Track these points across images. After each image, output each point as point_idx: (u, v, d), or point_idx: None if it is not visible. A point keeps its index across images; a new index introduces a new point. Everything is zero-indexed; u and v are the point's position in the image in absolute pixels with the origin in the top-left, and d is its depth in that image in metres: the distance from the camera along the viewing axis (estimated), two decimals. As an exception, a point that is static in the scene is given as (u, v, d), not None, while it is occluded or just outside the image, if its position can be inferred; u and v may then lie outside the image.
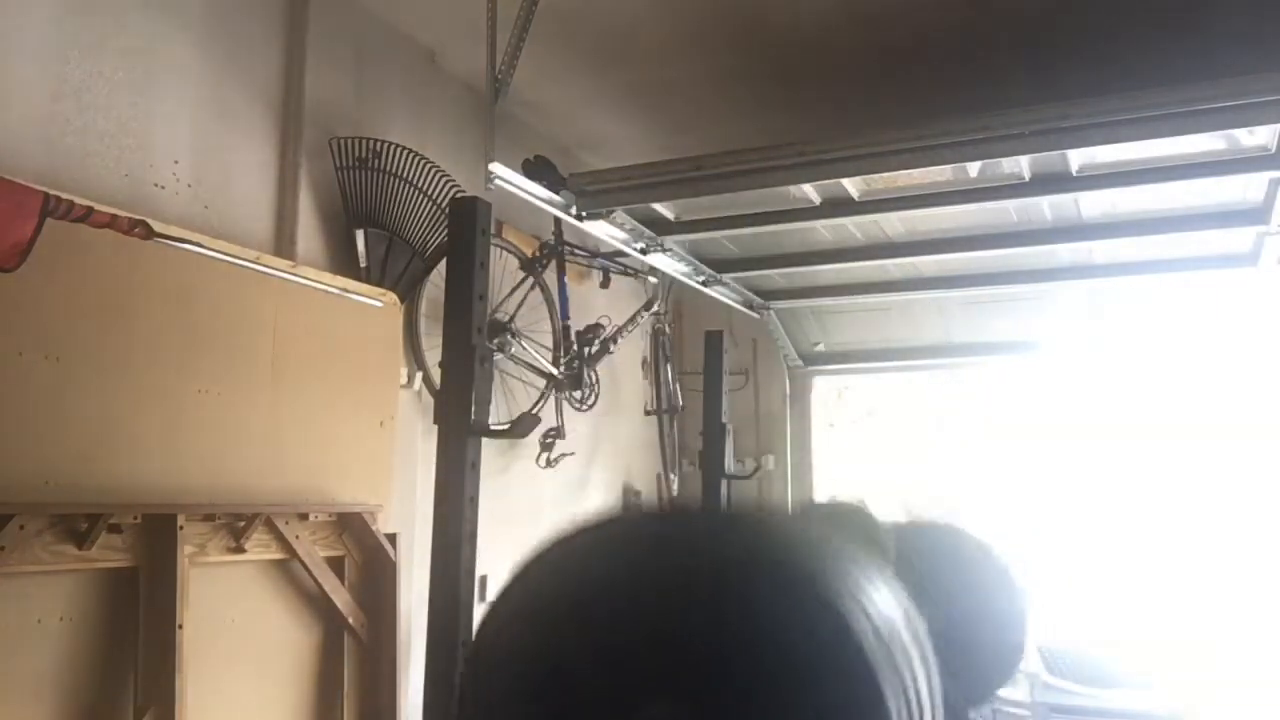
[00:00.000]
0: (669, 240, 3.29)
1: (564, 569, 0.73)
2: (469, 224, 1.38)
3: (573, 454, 4.24)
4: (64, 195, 2.28)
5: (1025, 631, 2.44)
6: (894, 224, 3.15)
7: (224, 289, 2.68)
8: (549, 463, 4.09)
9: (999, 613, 2.40)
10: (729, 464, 4.26)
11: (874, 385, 5.08)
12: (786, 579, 0.65)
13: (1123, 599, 4.57)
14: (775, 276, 3.84)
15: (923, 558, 2.56)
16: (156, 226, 2.49)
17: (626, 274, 4.54)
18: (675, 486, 5.10)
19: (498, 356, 3.51)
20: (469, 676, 0.93)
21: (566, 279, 4.12)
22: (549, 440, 4.07)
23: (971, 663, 2.37)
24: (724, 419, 4.19)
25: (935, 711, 0.97)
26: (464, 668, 1.04)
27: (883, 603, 0.72)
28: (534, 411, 3.69)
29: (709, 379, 4.23)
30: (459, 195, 3.13)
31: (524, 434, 3.07)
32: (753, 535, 0.70)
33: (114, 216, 2.39)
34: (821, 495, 5.09)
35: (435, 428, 2.44)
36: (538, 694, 0.67)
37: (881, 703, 0.73)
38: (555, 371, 4.01)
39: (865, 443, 5.12)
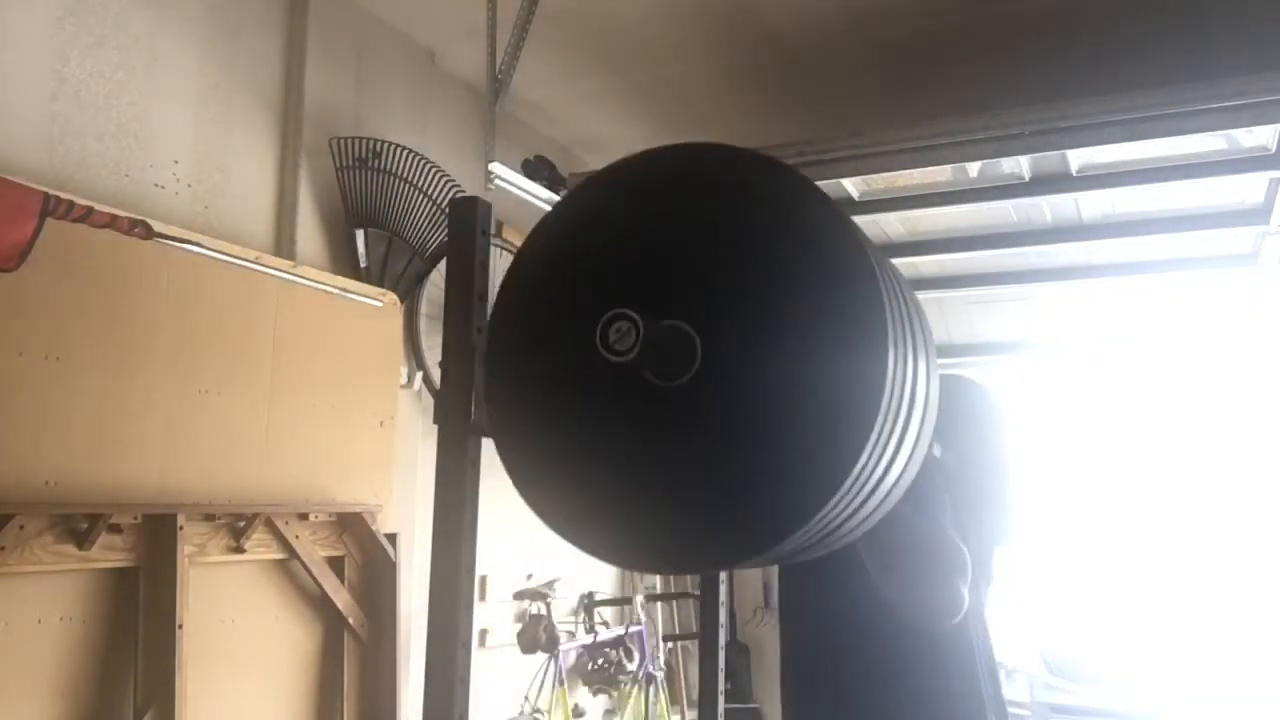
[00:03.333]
0: (669, 240, 3.29)
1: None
2: (469, 224, 1.38)
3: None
4: (64, 195, 2.28)
5: (1026, 470, 2.44)
6: (894, 224, 3.15)
7: (224, 289, 2.68)
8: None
9: (1001, 453, 2.40)
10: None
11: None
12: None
13: (1122, 599, 4.57)
14: (775, 276, 3.84)
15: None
16: (156, 226, 2.49)
17: (626, 274, 4.54)
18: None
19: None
20: (514, 273, 1.19)
21: (566, 279, 4.11)
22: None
23: (984, 501, 2.38)
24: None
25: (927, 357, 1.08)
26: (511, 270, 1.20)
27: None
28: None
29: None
30: (459, 195, 3.13)
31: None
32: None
33: (114, 216, 2.39)
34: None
35: (435, 428, 2.44)
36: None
37: (875, 284, 0.92)
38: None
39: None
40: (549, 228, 1.23)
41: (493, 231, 1.50)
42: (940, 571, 1.41)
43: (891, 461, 1.05)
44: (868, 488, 1.03)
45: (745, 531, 1.01)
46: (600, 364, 0.99)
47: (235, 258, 2.71)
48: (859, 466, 0.96)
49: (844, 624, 1.70)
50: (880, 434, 0.97)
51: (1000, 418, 2.41)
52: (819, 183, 3.00)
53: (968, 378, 2.56)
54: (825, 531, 1.05)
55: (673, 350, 1.03)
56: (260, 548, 2.69)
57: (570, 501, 1.13)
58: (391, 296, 3.24)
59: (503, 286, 1.25)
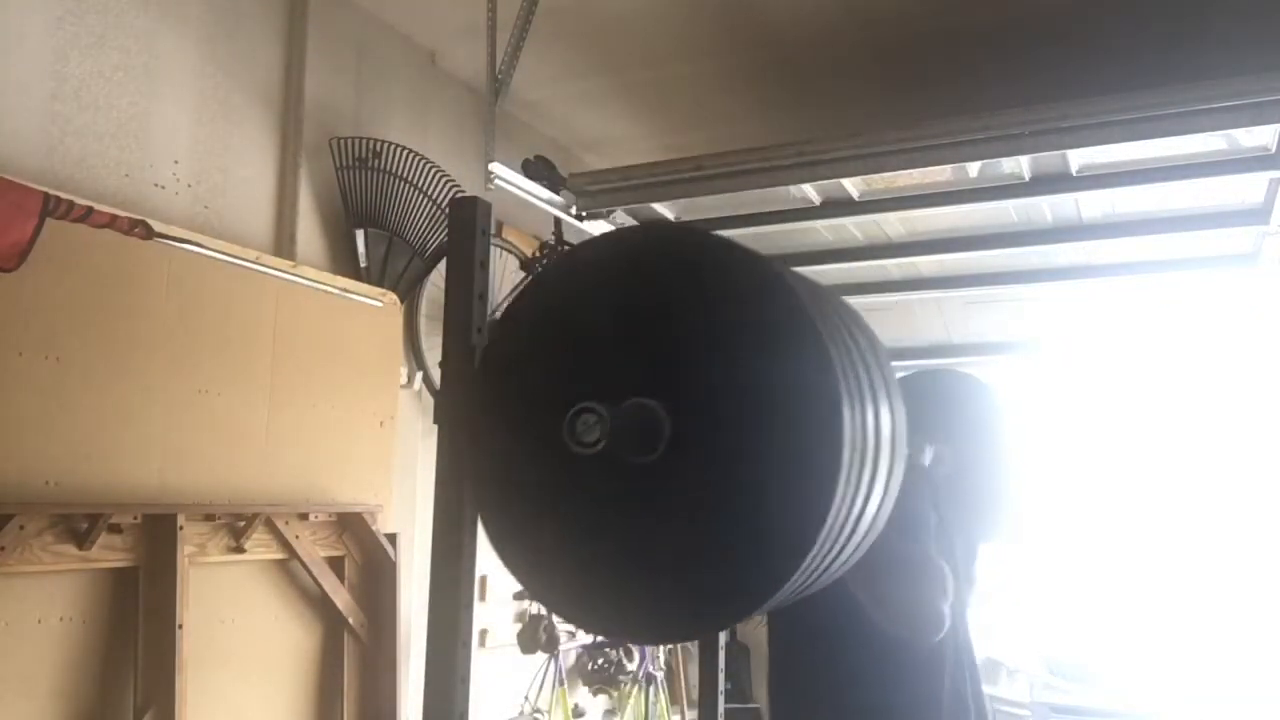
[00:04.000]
0: (669, 240, 3.29)
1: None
2: (469, 224, 1.38)
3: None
4: (64, 195, 2.28)
5: (1026, 466, 2.44)
6: (894, 224, 3.15)
7: (224, 289, 2.68)
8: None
9: (1000, 449, 2.40)
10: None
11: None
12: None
13: (1122, 598, 4.57)
14: (775, 276, 3.84)
15: (926, 399, 2.57)
16: (156, 226, 2.49)
17: (626, 274, 4.54)
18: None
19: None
20: (491, 351, 1.25)
21: (566, 279, 4.11)
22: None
23: (979, 498, 2.38)
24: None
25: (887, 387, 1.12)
26: (489, 340, 1.29)
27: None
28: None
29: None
30: (459, 195, 3.13)
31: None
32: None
33: (114, 216, 2.39)
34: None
35: (435, 428, 2.44)
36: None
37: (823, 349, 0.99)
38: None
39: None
40: (519, 309, 1.28)
41: (493, 231, 1.50)
42: (922, 593, 1.47)
43: (864, 507, 1.10)
44: (841, 538, 1.07)
45: (722, 600, 1.04)
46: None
47: (235, 258, 2.71)
48: (826, 527, 1.00)
49: (824, 630, 1.73)
50: (846, 489, 1.01)
51: (1000, 414, 2.41)
52: (819, 183, 3.00)
53: (969, 374, 2.56)
54: (806, 584, 1.09)
55: (643, 426, 1.07)
56: (260, 548, 2.69)
57: (565, 584, 1.17)
58: (391, 296, 3.24)
59: (481, 363, 1.28)
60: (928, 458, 2.25)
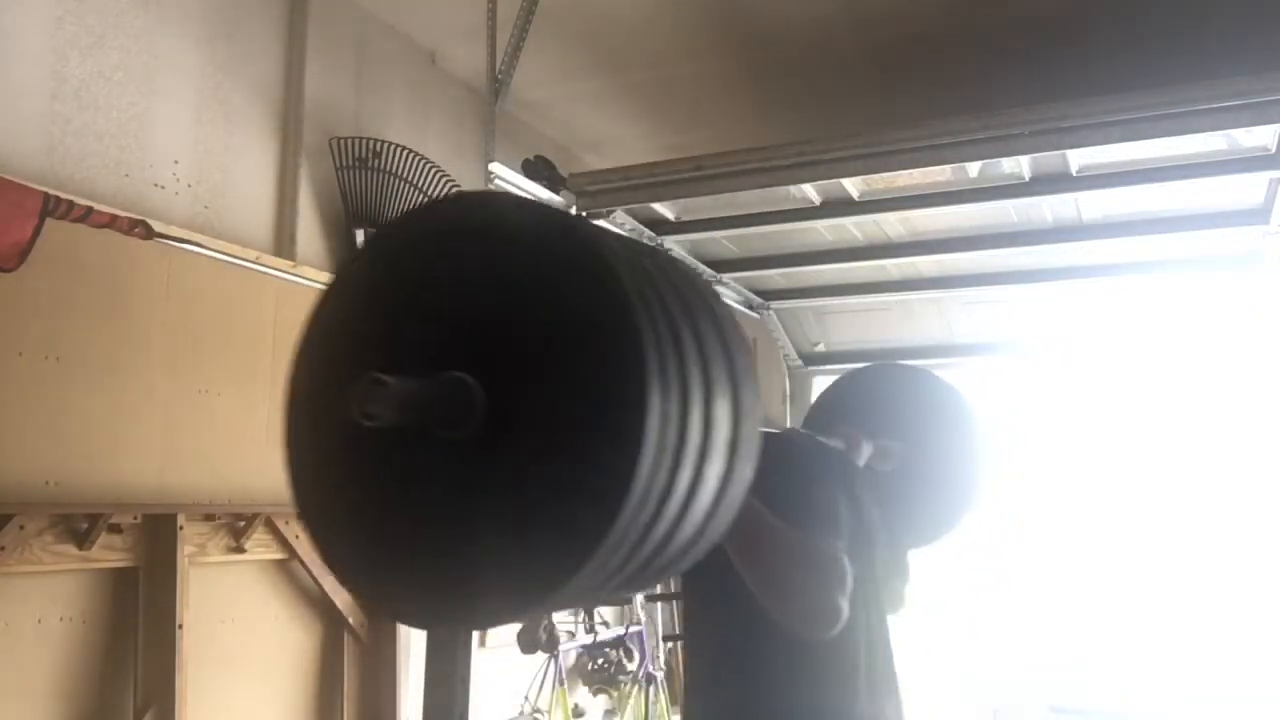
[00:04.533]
0: (669, 240, 3.29)
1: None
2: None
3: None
4: (64, 195, 2.28)
5: (985, 467, 2.44)
6: (894, 224, 3.15)
7: (224, 289, 2.68)
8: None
9: (958, 448, 2.41)
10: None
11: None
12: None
13: (1122, 598, 4.57)
14: (775, 276, 3.83)
15: (876, 395, 2.56)
16: (156, 226, 2.49)
17: (626, 274, 4.54)
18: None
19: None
20: (313, 321, 1.22)
21: (566, 279, 4.10)
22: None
23: (931, 496, 2.39)
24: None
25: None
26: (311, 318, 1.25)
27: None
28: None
29: (709, 379, 4.21)
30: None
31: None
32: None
33: (114, 216, 2.39)
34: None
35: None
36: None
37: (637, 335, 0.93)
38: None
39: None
40: (335, 288, 1.24)
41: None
42: (815, 583, 1.44)
43: (692, 489, 1.04)
44: (662, 522, 1.02)
45: (528, 584, 1.01)
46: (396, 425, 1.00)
47: (235, 258, 2.71)
48: (630, 508, 0.95)
49: (720, 635, 1.73)
50: (657, 471, 0.97)
51: (963, 414, 2.41)
52: (819, 183, 2.99)
53: (932, 373, 2.56)
54: (627, 570, 1.05)
55: (456, 401, 1.02)
56: (260, 548, 2.69)
57: (378, 565, 1.13)
58: (391, 296, 3.24)
59: (297, 351, 1.26)
60: (863, 455, 2.25)
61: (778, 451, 1.68)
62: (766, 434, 1.78)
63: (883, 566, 1.83)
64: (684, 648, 1.94)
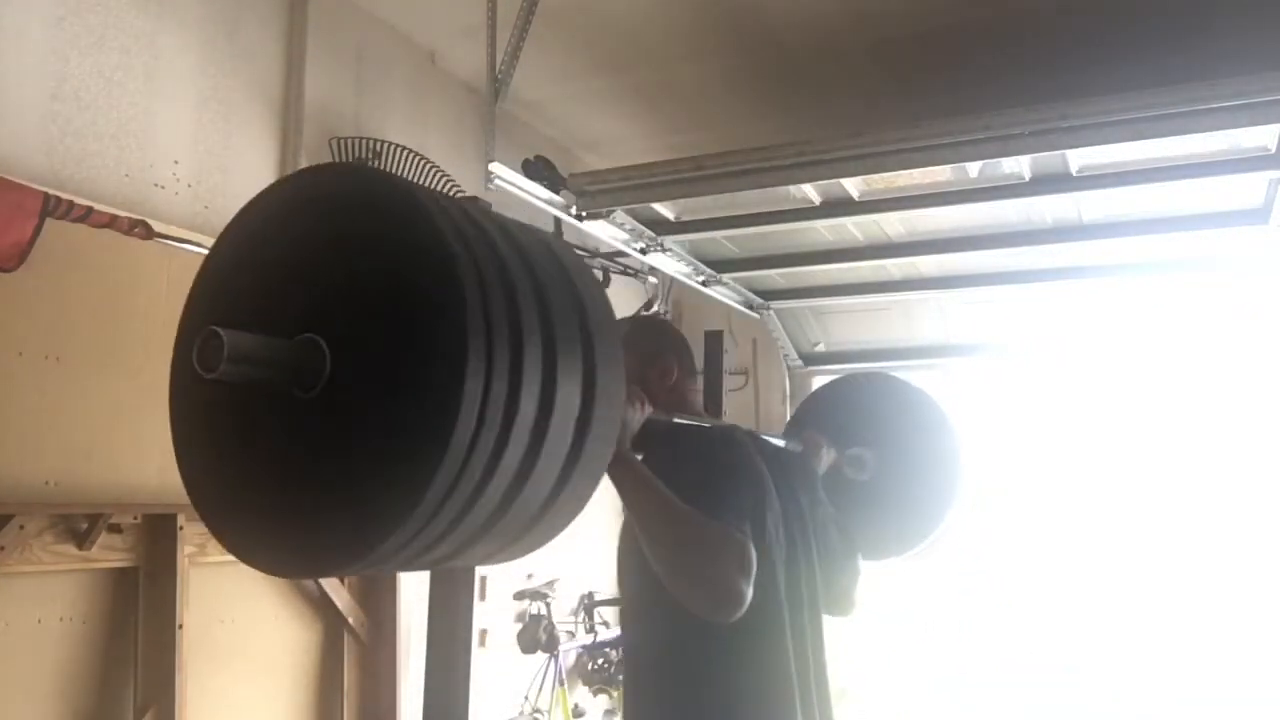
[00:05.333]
0: (669, 240, 3.29)
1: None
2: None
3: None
4: (64, 195, 2.28)
5: (961, 471, 2.44)
6: (894, 224, 3.15)
7: (224, 289, 2.67)
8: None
9: (936, 451, 2.42)
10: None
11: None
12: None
13: (1121, 598, 4.57)
14: (775, 276, 3.83)
15: (855, 405, 2.58)
16: (156, 226, 2.49)
17: (626, 274, 4.54)
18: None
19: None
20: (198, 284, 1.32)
21: (566, 279, 4.10)
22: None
23: (909, 505, 2.40)
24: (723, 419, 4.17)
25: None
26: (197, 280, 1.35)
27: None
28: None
29: (709, 379, 4.21)
30: (458, 195, 3.13)
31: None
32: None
33: (114, 216, 2.39)
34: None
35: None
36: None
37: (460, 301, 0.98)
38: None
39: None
40: (214, 251, 1.33)
41: (493, 231, 1.50)
42: (711, 562, 1.45)
43: (530, 462, 1.10)
44: (493, 490, 1.08)
45: (355, 532, 1.07)
46: (255, 385, 1.09)
47: (235, 258, 2.71)
48: (453, 466, 1.01)
49: (640, 629, 1.76)
50: (478, 439, 1.02)
51: (945, 428, 2.42)
52: (819, 183, 2.99)
53: (903, 380, 2.57)
54: (461, 531, 1.10)
55: (309, 363, 1.09)
56: (260, 548, 2.69)
57: (239, 517, 1.22)
58: (391, 296, 3.24)
59: (183, 312, 1.37)
60: (824, 460, 2.26)
61: (703, 442, 1.71)
62: (700, 427, 1.80)
63: (827, 567, 1.84)
64: (621, 652, 1.95)
